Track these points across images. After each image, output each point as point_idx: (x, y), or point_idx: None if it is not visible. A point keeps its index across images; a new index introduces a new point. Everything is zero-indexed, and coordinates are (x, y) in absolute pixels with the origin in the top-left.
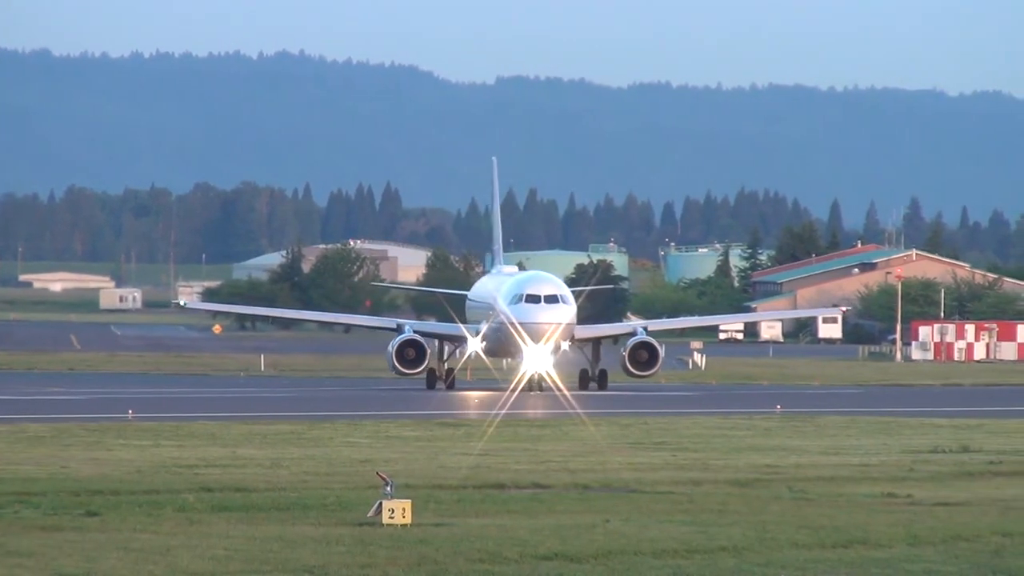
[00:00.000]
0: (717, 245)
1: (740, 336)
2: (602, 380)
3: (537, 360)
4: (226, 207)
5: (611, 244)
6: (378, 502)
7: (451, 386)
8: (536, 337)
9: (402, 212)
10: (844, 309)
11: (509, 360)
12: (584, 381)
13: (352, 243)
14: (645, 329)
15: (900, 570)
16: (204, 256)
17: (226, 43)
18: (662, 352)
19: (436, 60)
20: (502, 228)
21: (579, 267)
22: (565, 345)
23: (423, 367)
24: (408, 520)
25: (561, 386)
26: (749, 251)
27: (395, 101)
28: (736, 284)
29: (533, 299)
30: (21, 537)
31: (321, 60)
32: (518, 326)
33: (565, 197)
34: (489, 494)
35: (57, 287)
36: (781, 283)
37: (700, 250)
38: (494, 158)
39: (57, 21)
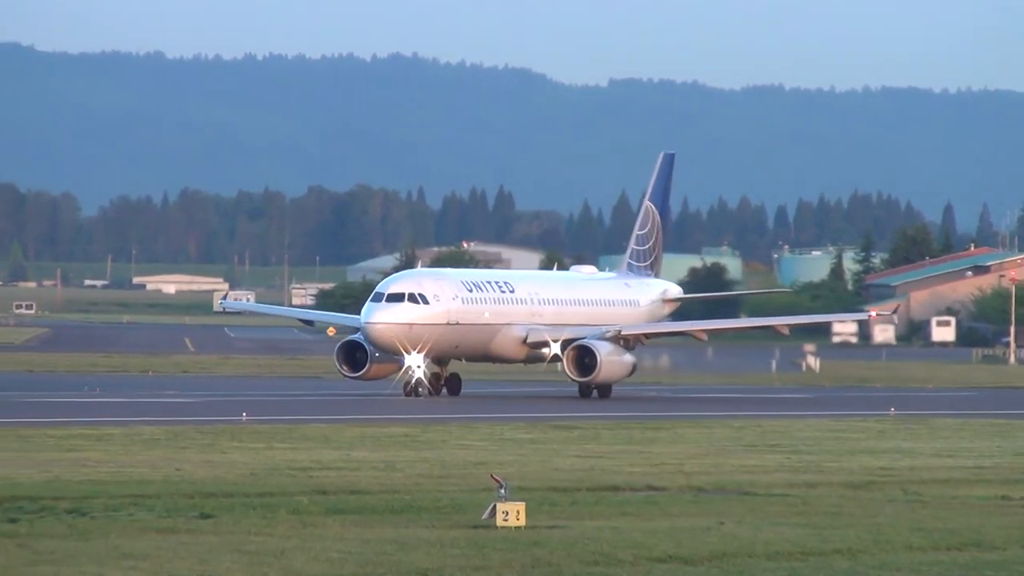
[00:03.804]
0: (830, 248)
1: (854, 339)
2: (603, 388)
3: (413, 363)
4: (339, 210)
5: (724, 247)
6: (492, 504)
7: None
8: (371, 338)
9: (515, 214)
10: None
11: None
12: (585, 390)
13: (466, 245)
14: (618, 332)
15: (1014, 572)
16: (318, 258)
17: (339, 45)
18: (600, 356)
19: (549, 63)
20: (621, 232)
21: (692, 270)
22: (556, 348)
23: (364, 370)
24: (522, 522)
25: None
26: (862, 254)
27: (508, 103)
28: (850, 287)
29: (377, 297)
30: (136, 539)
31: (435, 62)
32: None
33: (678, 199)
34: (603, 496)
35: (171, 289)
36: (894, 286)
37: (813, 253)
38: (662, 154)
39: (170, 24)
